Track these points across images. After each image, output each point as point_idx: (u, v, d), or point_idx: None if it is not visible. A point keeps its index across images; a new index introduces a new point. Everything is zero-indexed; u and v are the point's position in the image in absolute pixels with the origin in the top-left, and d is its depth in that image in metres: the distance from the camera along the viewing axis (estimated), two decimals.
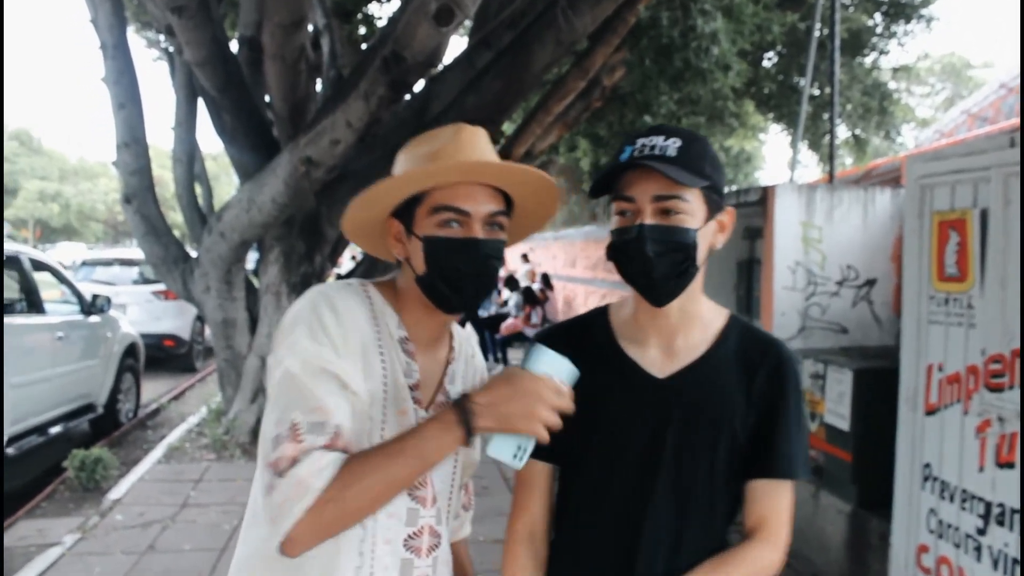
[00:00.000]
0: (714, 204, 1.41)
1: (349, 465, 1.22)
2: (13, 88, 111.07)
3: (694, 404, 1.43)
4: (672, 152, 1.36)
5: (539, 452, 1.42)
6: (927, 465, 3.45)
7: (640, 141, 1.39)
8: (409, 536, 1.40)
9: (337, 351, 1.29)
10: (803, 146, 11.64)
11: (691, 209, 1.37)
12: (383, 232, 1.47)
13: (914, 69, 13.66)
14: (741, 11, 5.48)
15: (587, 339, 1.54)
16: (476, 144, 1.41)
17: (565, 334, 1.56)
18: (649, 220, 1.36)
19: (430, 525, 1.43)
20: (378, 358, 1.37)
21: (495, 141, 6.89)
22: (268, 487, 1.21)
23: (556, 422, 1.26)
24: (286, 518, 1.18)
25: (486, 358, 12.76)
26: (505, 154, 7.52)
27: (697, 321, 1.49)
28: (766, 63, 9.77)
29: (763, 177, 19.32)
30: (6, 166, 51.32)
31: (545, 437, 1.26)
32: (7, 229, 51.48)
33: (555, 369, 1.31)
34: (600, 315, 1.59)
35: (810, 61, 6.50)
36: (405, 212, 1.40)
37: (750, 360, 1.46)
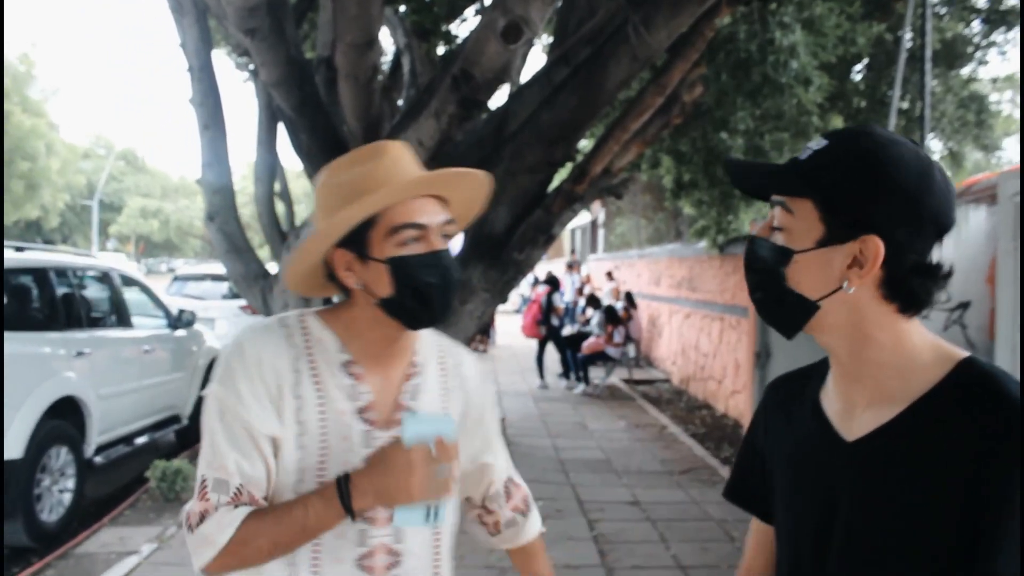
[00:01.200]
0: (838, 227, 1.11)
1: (247, 522, 1.31)
2: (121, 110, 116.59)
3: (881, 477, 1.10)
4: (805, 155, 1.15)
5: (749, 503, 1.42)
6: None
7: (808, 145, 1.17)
8: (361, 556, 1.42)
9: (242, 400, 1.35)
10: None
11: (794, 225, 1.14)
12: (320, 271, 1.46)
13: (1017, 79, 12.99)
14: (822, 23, 5.29)
15: (804, 390, 1.30)
16: (407, 158, 1.43)
17: (785, 384, 1.39)
18: (759, 232, 1.20)
19: (384, 544, 1.43)
20: (312, 388, 1.39)
21: (570, 159, 6.83)
22: (184, 534, 1.36)
23: (442, 486, 1.29)
24: (197, 561, 1.33)
25: (567, 377, 12.72)
26: (582, 171, 7.44)
27: (893, 369, 1.12)
28: (855, 76, 9.43)
29: None
30: (113, 184, 53.95)
31: (438, 497, 1.30)
32: (113, 244, 54.04)
33: (425, 431, 1.30)
34: (825, 361, 1.27)
35: (899, 73, 6.22)
36: (354, 240, 1.39)
37: (967, 427, 1.04)
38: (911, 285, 1.10)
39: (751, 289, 1.19)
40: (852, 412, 1.16)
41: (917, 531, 1.06)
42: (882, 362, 1.13)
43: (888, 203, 1.08)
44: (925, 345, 1.14)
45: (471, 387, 1.61)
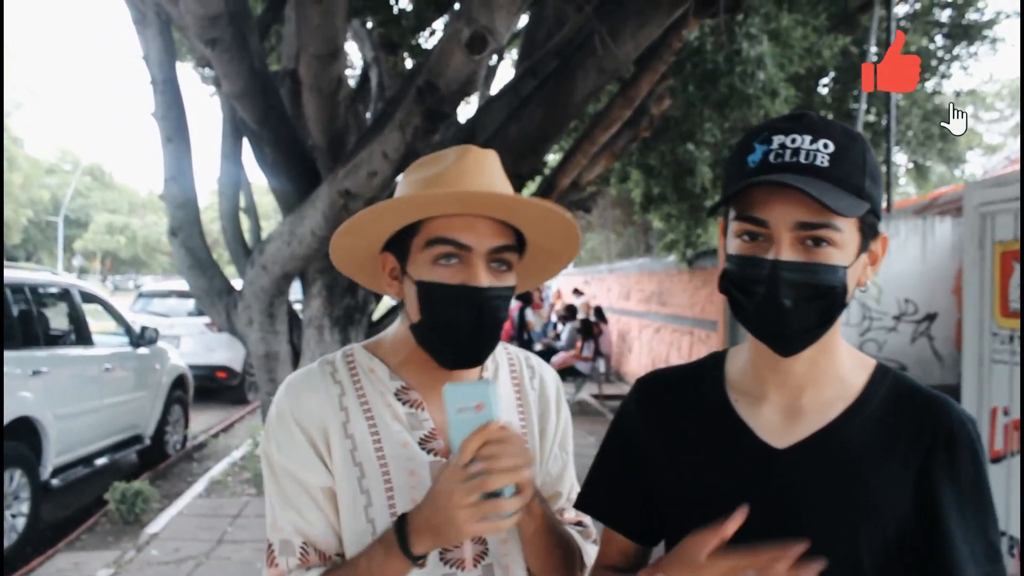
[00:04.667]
0: (870, 230, 1.07)
1: None
2: (87, 125, 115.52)
3: (823, 485, 1.08)
4: (824, 161, 1.02)
5: (623, 528, 1.26)
6: None
7: (777, 140, 1.04)
8: None
9: (286, 453, 1.25)
10: None
11: (843, 240, 1.03)
12: (377, 267, 1.32)
13: (980, 94, 13.21)
14: (789, 35, 5.29)
15: (695, 392, 1.23)
16: (482, 169, 1.23)
17: (666, 385, 1.27)
18: (787, 254, 1.02)
19: None
20: (363, 425, 1.26)
21: (538, 172, 6.79)
22: None
23: (495, 506, 1.07)
24: None
25: None
26: (549, 184, 7.40)
27: (832, 375, 1.13)
28: (822, 89, 9.51)
29: None
30: (80, 200, 53.22)
31: (495, 524, 1.10)
32: (79, 261, 53.26)
33: (466, 400, 1.10)
34: (714, 363, 1.26)
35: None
36: (399, 245, 1.25)
37: (903, 426, 1.09)
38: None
39: (801, 320, 1.04)
40: (786, 418, 1.13)
41: (863, 536, 1.06)
42: (826, 368, 1.13)
43: (881, 197, 1.10)
44: (846, 350, 1.17)
45: (551, 407, 1.42)
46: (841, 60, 7.17)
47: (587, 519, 1.40)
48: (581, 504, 1.33)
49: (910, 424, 1.09)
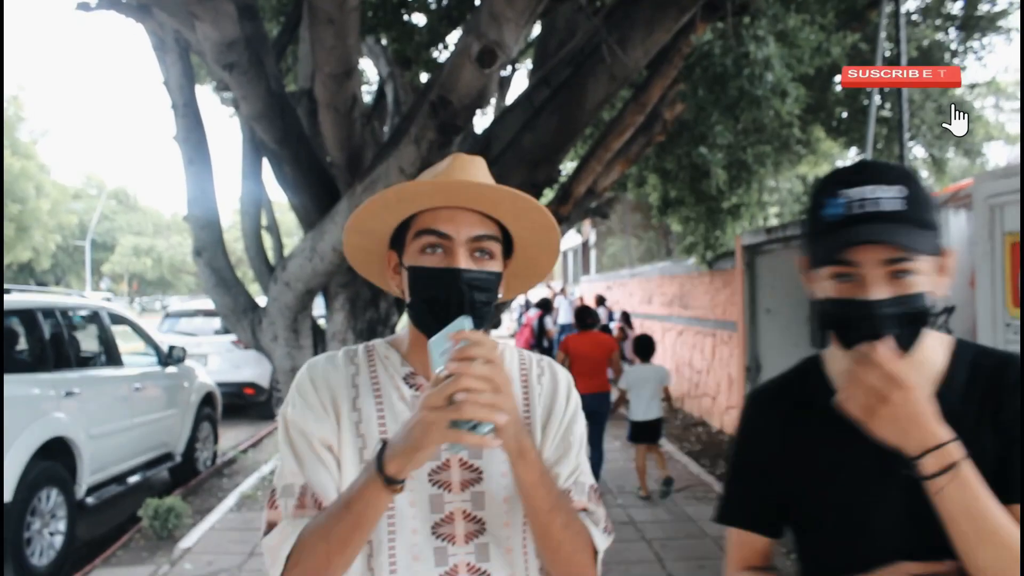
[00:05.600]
0: (939, 249, 1.22)
1: (305, 532, 1.27)
2: (113, 150, 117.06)
3: None
4: (899, 206, 1.17)
5: (767, 531, 1.37)
6: None
7: (852, 193, 1.19)
8: (436, 524, 1.35)
9: (299, 412, 1.38)
10: None
11: (924, 267, 1.19)
12: (384, 265, 1.48)
13: (999, 84, 13.12)
14: (796, 35, 5.32)
15: (803, 397, 1.37)
16: (467, 170, 1.37)
17: (776, 395, 1.43)
18: (881, 292, 1.17)
19: (467, 562, 1.34)
20: (371, 402, 1.39)
21: (554, 180, 6.85)
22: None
23: (466, 402, 1.11)
24: (272, 572, 1.31)
25: None
26: (566, 192, 7.46)
27: (920, 364, 1.27)
28: (836, 87, 9.49)
29: None
30: (105, 223, 53.94)
31: (447, 439, 1.13)
32: (106, 283, 53.94)
33: (444, 340, 1.18)
34: (813, 366, 1.41)
35: None
36: (398, 241, 1.40)
37: (988, 389, 1.26)
38: None
39: (900, 343, 1.18)
40: None
41: None
42: (919, 356, 1.25)
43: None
44: (927, 334, 1.28)
45: (560, 399, 1.48)
46: (853, 57, 7.17)
47: (593, 505, 1.42)
48: (725, 518, 1.45)
49: (992, 384, 1.25)
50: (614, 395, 7.32)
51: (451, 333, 1.18)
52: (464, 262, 1.32)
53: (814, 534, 1.36)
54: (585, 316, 7.44)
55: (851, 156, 11.71)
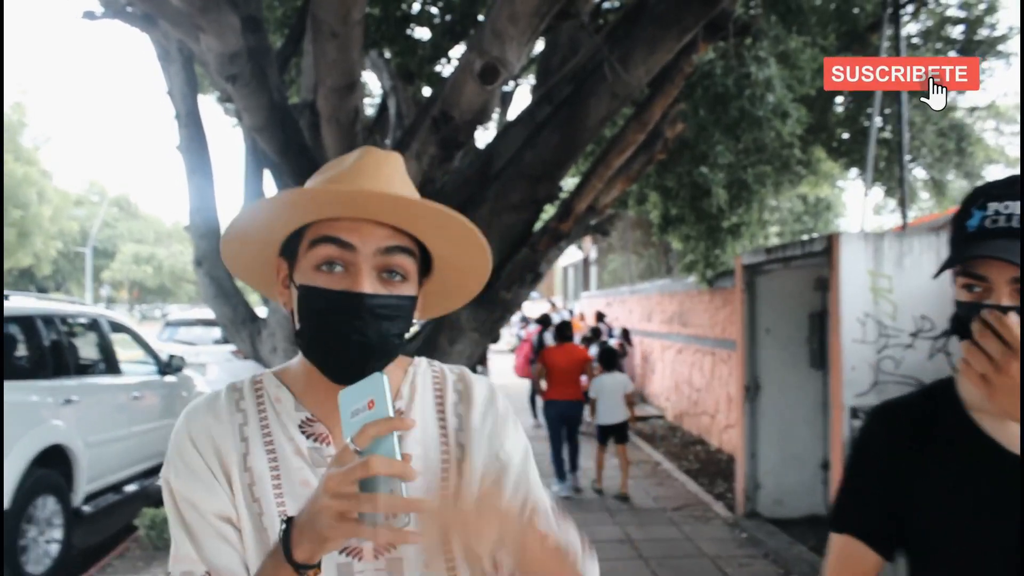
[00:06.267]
0: None
1: None
2: (115, 157, 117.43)
3: None
4: None
5: (878, 545, 1.34)
6: None
7: (993, 206, 1.22)
8: None
9: (185, 482, 1.15)
10: (881, 192, 11.29)
11: None
12: (273, 273, 1.23)
13: (999, 107, 13.17)
14: (797, 56, 5.37)
15: (933, 416, 1.35)
16: (379, 171, 1.14)
17: (904, 412, 1.40)
18: (1007, 301, 1.19)
19: None
20: (263, 459, 1.16)
21: (554, 196, 6.87)
22: None
23: (355, 506, 0.92)
24: None
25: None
26: (566, 209, 7.48)
27: None
28: (837, 108, 9.55)
29: (844, 225, 18.81)
30: (107, 230, 54.02)
31: (356, 535, 0.94)
32: (107, 290, 53.97)
33: (358, 403, 0.99)
34: (945, 387, 1.38)
35: (876, 103, 6.33)
36: (290, 249, 1.16)
37: None
38: None
39: None
40: (1006, 427, 1.25)
41: None
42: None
43: None
44: None
45: (475, 416, 1.25)
46: None
47: (565, 530, 1.13)
48: (839, 525, 1.41)
49: None
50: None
51: (368, 395, 0.98)
52: (369, 284, 1.09)
53: (928, 558, 1.33)
54: (563, 330, 8.46)
55: (851, 177, 11.75)
